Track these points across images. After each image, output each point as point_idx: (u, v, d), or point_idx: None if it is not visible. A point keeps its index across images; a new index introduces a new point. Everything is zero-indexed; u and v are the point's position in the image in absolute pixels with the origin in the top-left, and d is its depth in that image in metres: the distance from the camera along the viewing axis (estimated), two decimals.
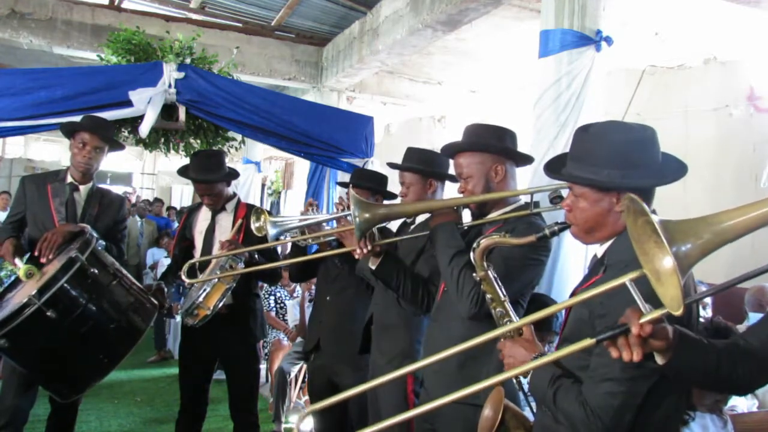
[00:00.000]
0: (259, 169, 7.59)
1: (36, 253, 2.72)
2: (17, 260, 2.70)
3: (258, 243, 2.90)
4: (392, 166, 2.65)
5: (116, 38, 4.20)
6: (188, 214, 3.38)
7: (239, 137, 4.64)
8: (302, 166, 8.80)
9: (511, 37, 5.44)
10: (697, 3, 4.21)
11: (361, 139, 4.49)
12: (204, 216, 3.26)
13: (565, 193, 1.77)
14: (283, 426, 4.51)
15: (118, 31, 4.29)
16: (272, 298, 5.51)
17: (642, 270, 1.09)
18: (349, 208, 2.44)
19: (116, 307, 2.65)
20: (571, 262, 2.86)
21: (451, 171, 2.43)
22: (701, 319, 1.52)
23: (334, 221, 2.77)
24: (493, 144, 2.11)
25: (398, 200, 2.66)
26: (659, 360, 1.19)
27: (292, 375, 4.68)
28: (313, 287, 3.41)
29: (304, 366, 4.51)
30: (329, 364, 2.98)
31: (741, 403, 2.76)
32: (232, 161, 6.40)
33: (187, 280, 2.82)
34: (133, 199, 12.33)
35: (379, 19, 5.66)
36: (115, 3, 6.32)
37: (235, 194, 3.34)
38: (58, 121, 3.45)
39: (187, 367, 3.24)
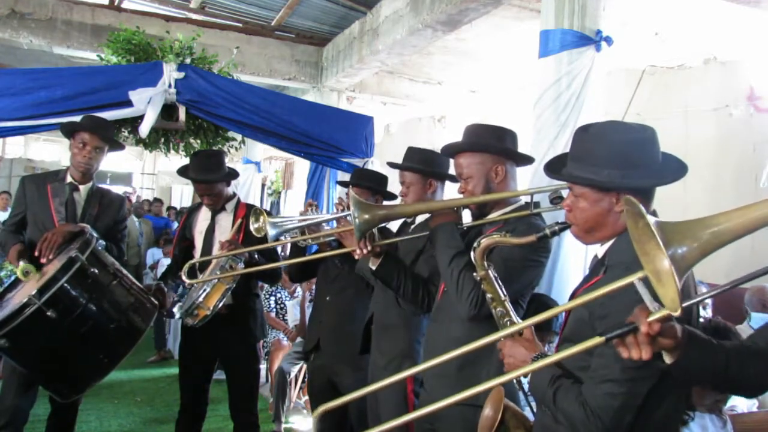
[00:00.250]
0: (259, 169, 7.59)
1: (36, 254, 2.72)
2: (23, 263, 2.71)
3: (258, 243, 2.90)
4: (392, 165, 2.65)
5: (116, 38, 4.20)
6: (188, 214, 3.38)
7: (239, 137, 4.64)
8: (302, 166, 8.81)
9: (511, 37, 5.44)
10: (697, 3, 4.21)
11: (361, 139, 4.50)
12: (204, 216, 3.26)
13: (565, 193, 1.77)
14: (283, 426, 4.53)
15: (118, 31, 4.29)
16: (273, 298, 5.51)
17: (644, 271, 1.09)
18: (348, 208, 2.44)
19: (116, 307, 2.65)
20: (571, 262, 2.86)
21: (452, 171, 2.43)
22: (701, 319, 1.52)
23: (334, 221, 2.77)
24: (494, 144, 2.11)
25: (398, 200, 2.66)
26: (667, 359, 1.19)
27: (292, 375, 4.68)
28: (314, 287, 3.40)
29: (304, 366, 4.51)
30: (329, 364, 2.98)
31: (741, 403, 2.76)
32: (232, 161, 6.40)
33: (187, 281, 2.82)
34: (134, 199, 12.33)
35: (379, 19, 5.67)
36: (115, 3, 6.32)
37: (234, 194, 3.34)
38: (58, 121, 3.45)
39: (187, 367, 3.24)
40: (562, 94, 2.92)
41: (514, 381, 1.93)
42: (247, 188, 7.22)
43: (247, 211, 3.12)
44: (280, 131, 4.23)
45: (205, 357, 3.19)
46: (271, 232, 2.68)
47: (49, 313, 2.40)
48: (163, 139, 4.41)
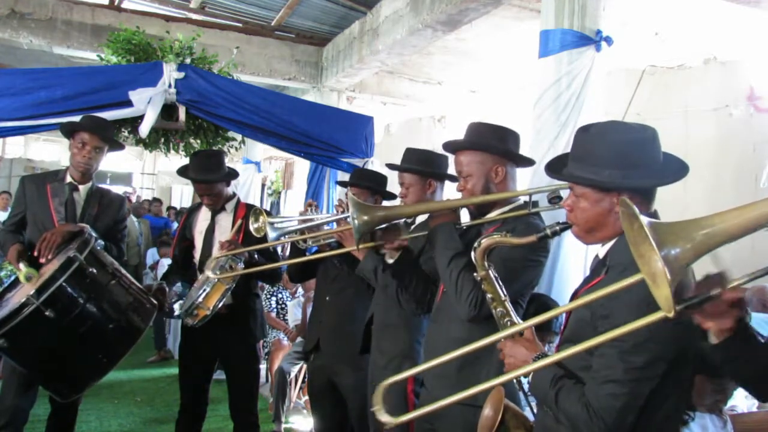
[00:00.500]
0: (259, 169, 7.59)
1: (35, 254, 2.72)
2: (21, 265, 2.71)
3: (258, 243, 2.90)
4: (391, 167, 2.64)
5: (116, 38, 4.20)
6: (188, 214, 3.38)
7: (239, 137, 4.64)
8: (302, 166, 8.81)
9: (511, 37, 5.44)
10: (697, 3, 4.21)
11: (361, 139, 4.50)
12: (204, 216, 3.27)
13: (563, 193, 1.77)
14: (283, 426, 4.53)
15: (118, 31, 4.29)
16: (274, 299, 5.51)
17: (640, 273, 1.07)
18: (348, 209, 2.44)
19: (115, 307, 2.66)
20: (571, 262, 2.85)
21: (451, 171, 2.42)
22: None
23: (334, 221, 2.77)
24: (495, 145, 2.11)
25: (398, 201, 2.66)
26: (713, 339, 1.17)
27: (292, 375, 4.68)
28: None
29: (304, 366, 4.51)
30: (329, 364, 2.98)
31: (741, 403, 2.76)
32: (232, 161, 6.40)
33: (210, 275, 2.79)
34: (134, 199, 12.33)
35: (379, 19, 5.66)
36: (115, 3, 6.32)
37: (234, 194, 3.34)
38: (58, 121, 3.45)
39: (187, 367, 3.24)
40: (562, 94, 2.92)
41: (514, 381, 1.92)
42: (247, 188, 7.22)
43: (247, 212, 3.12)
44: (280, 131, 4.23)
45: (205, 357, 3.19)
46: (271, 234, 2.68)
47: (47, 313, 2.40)
48: (163, 139, 4.41)
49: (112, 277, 2.71)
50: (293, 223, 2.78)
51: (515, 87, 6.60)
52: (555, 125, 2.92)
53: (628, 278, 1.13)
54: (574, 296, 1.62)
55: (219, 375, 3.38)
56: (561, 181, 1.65)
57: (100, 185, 3.21)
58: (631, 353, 1.33)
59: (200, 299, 2.86)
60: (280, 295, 5.53)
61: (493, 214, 2.11)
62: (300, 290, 5.43)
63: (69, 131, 3.01)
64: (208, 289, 2.86)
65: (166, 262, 6.55)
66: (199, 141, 4.46)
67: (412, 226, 2.65)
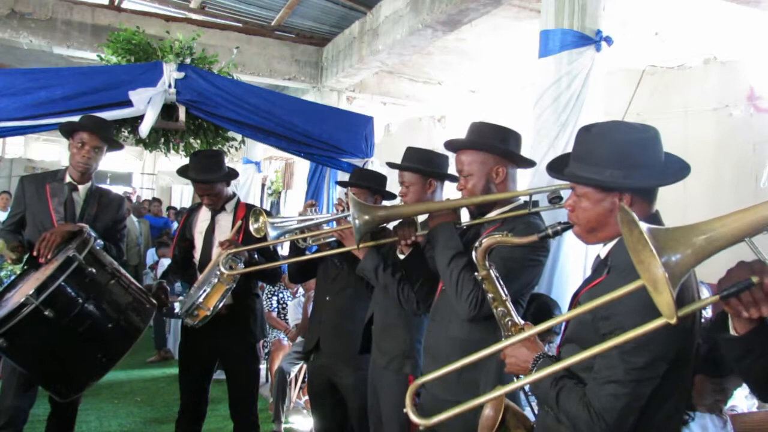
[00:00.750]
0: (259, 169, 7.59)
1: (34, 253, 2.72)
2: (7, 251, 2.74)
3: (257, 243, 2.90)
4: (392, 165, 2.64)
5: (116, 38, 4.20)
6: (188, 214, 3.38)
7: (239, 137, 4.64)
8: (302, 166, 8.79)
9: (511, 37, 5.44)
10: (697, 3, 4.20)
11: (361, 139, 4.50)
12: (204, 216, 3.26)
13: (563, 193, 1.77)
14: (283, 426, 4.53)
15: (118, 31, 4.28)
16: (275, 298, 5.50)
17: (641, 279, 1.06)
18: (348, 208, 2.44)
19: (114, 307, 2.65)
20: (571, 262, 2.85)
21: (451, 170, 2.42)
22: (702, 320, 1.52)
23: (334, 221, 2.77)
24: (497, 146, 2.11)
25: (398, 200, 2.66)
26: (740, 328, 1.15)
27: (292, 375, 4.68)
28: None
29: (304, 366, 4.51)
30: (329, 364, 2.97)
31: (741, 403, 2.76)
32: (232, 161, 6.40)
33: (225, 272, 2.79)
34: (134, 199, 12.33)
35: (379, 19, 5.66)
36: (115, 3, 6.32)
37: (234, 194, 3.34)
38: (58, 121, 3.45)
39: (187, 367, 3.24)
40: (562, 94, 2.92)
41: (515, 379, 1.92)
42: (247, 188, 7.22)
43: (246, 212, 3.12)
44: (280, 131, 4.23)
45: (205, 357, 3.19)
46: (272, 233, 2.68)
47: (46, 313, 2.39)
48: (163, 139, 4.41)
49: (111, 276, 2.70)
50: (293, 223, 2.78)
51: (515, 87, 6.60)
52: (555, 125, 2.92)
53: (629, 285, 1.12)
54: (575, 297, 1.61)
55: (219, 375, 3.38)
56: (562, 181, 1.65)
57: (99, 185, 3.21)
58: (632, 354, 1.33)
59: (200, 300, 2.86)
60: (280, 295, 5.53)
61: (492, 214, 2.11)
62: (301, 290, 5.43)
63: (68, 131, 3.01)
64: (208, 290, 2.86)
65: (165, 263, 6.54)
66: (199, 141, 4.45)
67: None
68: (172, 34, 4.55)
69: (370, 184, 2.91)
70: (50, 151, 15.16)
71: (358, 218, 2.07)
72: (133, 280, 2.90)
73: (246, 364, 3.24)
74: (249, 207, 3.21)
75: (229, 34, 6.68)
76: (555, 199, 1.89)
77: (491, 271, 1.73)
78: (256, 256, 3.03)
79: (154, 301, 2.89)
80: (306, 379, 4.34)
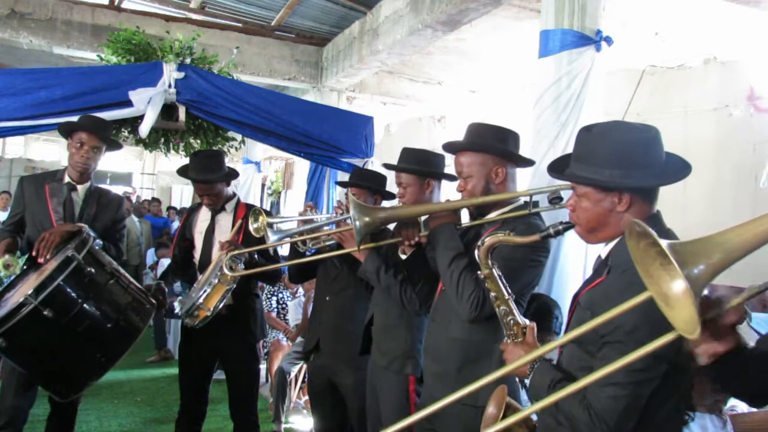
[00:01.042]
0: (259, 169, 7.58)
1: (33, 253, 2.72)
2: (7, 256, 2.73)
3: (257, 243, 2.90)
4: (388, 167, 2.64)
5: (116, 38, 4.19)
6: (188, 214, 3.38)
7: (239, 137, 4.64)
8: (302, 166, 8.79)
9: (511, 37, 5.43)
10: (697, 3, 4.20)
11: (361, 139, 4.49)
12: (204, 216, 3.27)
13: (564, 194, 1.77)
14: (283, 426, 4.53)
15: (118, 31, 4.28)
16: (274, 298, 5.50)
17: (648, 292, 1.03)
18: (348, 211, 2.44)
19: (113, 306, 2.65)
20: (571, 262, 2.85)
21: (448, 170, 2.42)
22: None
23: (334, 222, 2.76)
24: (496, 146, 2.11)
25: (396, 201, 2.66)
26: (702, 360, 1.14)
27: (292, 375, 4.68)
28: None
29: (304, 366, 4.51)
30: (329, 364, 2.97)
31: (741, 403, 2.76)
32: (232, 161, 6.39)
33: (229, 274, 2.79)
34: (134, 199, 12.33)
35: (379, 19, 5.66)
36: (115, 3, 6.32)
37: (234, 194, 3.34)
38: (58, 121, 3.44)
39: (187, 367, 3.24)
40: (562, 94, 2.92)
41: (517, 380, 1.92)
42: (247, 188, 7.22)
43: (246, 212, 3.12)
44: (280, 131, 4.23)
45: (205, 357, 3.19)
46: (271, 233, 2.68)
47: (45, 313, 2.39)
48: (163, 139, 4.41)
49: (110, 276, 2.70)
50: (293, 224, 2.78)
51: (515, 87, 6.60)
52: (555, 125, 2.92)
53: (635, 298, 1.08)
54: (576, 298, 1.61)
55: (219, 375, 3.38)
56: (562, 181, 1.65)
57: (99, 185, 3.21)
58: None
59: (201, 300, 2.86)
60: (280, 295, 5.53)
61: (493, 215, 2.11)
62: (300, 290, 5.43)
63: (67, 131, 3.01)
64: (208, 290, 2.86)
65: (165, 263, 6.54)
66: (199, 141, 4.45)
67: None
68: (172, 34, 4.55)
69: (370, 185, 2.91)
70: (50, 151, 15.15)
71: (359, 220, 2.07)
72: (132, 279, 2.90)
73: (246, 364, 3.24)
74: (249, 207, 3.21)
75: (229, 34, 6.68)
76: (555, 200, 1.89)
77: (494, 269, 1.73)
78: (256, 256, 3.03)
79: (154, 301, 2.89)
80: (306, 379, 4.34)
